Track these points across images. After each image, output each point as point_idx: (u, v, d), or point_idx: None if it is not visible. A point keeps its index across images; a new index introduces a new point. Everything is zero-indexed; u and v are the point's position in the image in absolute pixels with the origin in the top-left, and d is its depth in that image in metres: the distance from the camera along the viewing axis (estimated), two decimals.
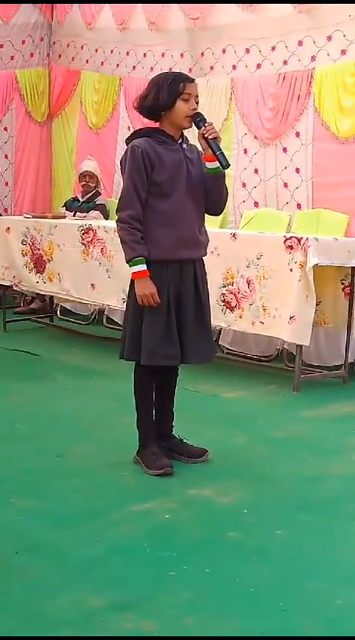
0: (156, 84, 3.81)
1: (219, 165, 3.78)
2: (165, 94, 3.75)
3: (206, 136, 3.76)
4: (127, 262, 3.80)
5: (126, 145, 3.86)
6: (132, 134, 3.93)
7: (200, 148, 3.87)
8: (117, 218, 3.84)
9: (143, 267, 3.75)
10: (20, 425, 4.61)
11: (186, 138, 3.92)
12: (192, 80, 3.84)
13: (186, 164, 3.81)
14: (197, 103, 3.82)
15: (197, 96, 3.82)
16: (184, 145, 3.86)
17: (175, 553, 3.05)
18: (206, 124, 3.78)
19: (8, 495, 3.56)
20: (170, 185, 3.77)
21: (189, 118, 3.78)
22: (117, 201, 3.90)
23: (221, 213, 4.14)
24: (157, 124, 3.87)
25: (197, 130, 3.82)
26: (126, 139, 3.91)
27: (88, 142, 8.60)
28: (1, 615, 2.57)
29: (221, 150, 3.78)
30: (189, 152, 3.86)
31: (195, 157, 3.86)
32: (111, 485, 3.73)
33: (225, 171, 3.85)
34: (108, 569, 2.91)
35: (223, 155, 3.77)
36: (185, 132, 3.90)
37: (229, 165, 3.83)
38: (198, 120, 3.79)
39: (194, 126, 3.82)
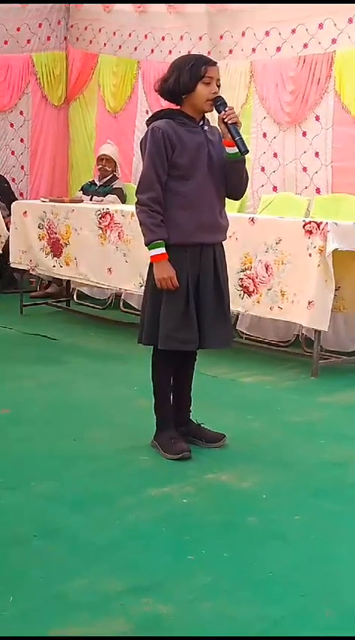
0: (177, 67, 3.77)
1: (238, 150, 3.73)
2: (187, 78, 3.71)
3: (226, 120, 3.71)
4: (146, 245, 3.77)
5: (147, 126, 3.82)
6: (152, 115, 3.89)
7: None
8: (136, 200, 3.80)
9: (162, 250, 3.72)
10: (37, 409, 4.60)
11: (208, 120, 3.88)
12: (214, 63, 3.79)
13: (207, 146, 3.77)
14: (218, 86, 3.77)
15: (218, 79, 3.77)
16: (206, 127, 3.82)
17: (193, 537, 3.04)
18: (226, 109, 3.73)
19: (26, 479, 3.56)
20: (191, 167, 3.73)
21: (210, 101, 3.74)
22: (136, 185, 3.86)
23: (241, 197, 4.09)
24: (177, 107, 3.83)
25: (217, 114, 3.78)
26: (147, 121, 3.87)
27: (107, 126, 8.57)
28: (19, 598, 2.57)
29: (240, 135, 3.73)
30: (210, 134, 3.82)
31: (217, 139, 3.82)
32: (128, 470, 3.72)
33: (245, 156, 3.81)
34: (125, 553, 2.90)
35: (242, 141, 3.73)
36: (207, 115, 3.86)
37: (248, 151, 3.78)
38: (218, 104, 3.74)
39: (215, 110, 3.78)
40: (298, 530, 3.16)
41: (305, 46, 6.60)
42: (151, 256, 3.76)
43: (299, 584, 2.71)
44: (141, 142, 3.84)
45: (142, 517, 3.21)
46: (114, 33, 8.48)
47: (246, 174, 3.92)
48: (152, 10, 7.99)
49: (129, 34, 8.30)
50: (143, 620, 2.48)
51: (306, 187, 6.68)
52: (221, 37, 7.31)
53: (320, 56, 6.47)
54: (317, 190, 6.58)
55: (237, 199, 4.09)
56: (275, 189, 6.92)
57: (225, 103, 3.75)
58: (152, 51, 8.07)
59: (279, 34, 6.80)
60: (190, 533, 3.08)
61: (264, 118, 6.96)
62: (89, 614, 2.50)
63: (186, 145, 3.71)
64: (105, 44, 8.63)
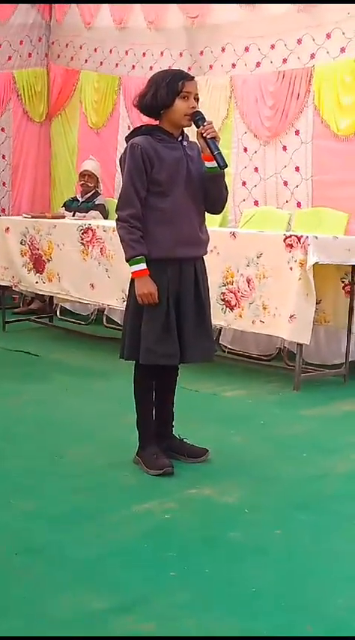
0: (155, 82, 3.78)
1: (216, 164, 3.75)
2: (164, 93, 3.72)
3: (204, 135, 3.73)
4: (127, 261, 3.78)
5: (126, 142, 3.83)
6: (131, 132, 3.90)
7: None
8: (116, 217, 3.82)
9: (143, 266, 3.73)
10: (19, 425, 4.59)
11: (187, 135, 3.89)
12: (192, 78, 3.80)
13: (186, 162, 3.79)
14: (197, 100, 3.78)
15: (197, 94, 3.79)
16: (184, 143, 3.83)
17: (175, 553, 3.04)
18: (205, 123, 3.74)
19: (7, 496, 3.54)
20: (170, 183, 3.74)
21: (189, 116, 3.75)
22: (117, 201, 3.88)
23: (221, 212, 4.11)
24: (157, 122, 3.84)
25: (196, 129, 3.79)
26: (126, 137, 3.88)
27: (89, 141, 8.58)
28: (1, 616, 2.55)
29: (219, 150, 3.74)
30: (189, 149, 3.83)
31: (196, 154, 3.83)
32: (111, 486, 3.71)
33: (225, 170, 3.82)
34: (107, 570, 2.89)
35: (221, 155, 3.74)
36: (186, 129, 3.87)
37: (226, 165, 3.79)
38: (197, 118, 3.75)
39: (193, 124, 3.79)
40: (280, 544, 3.16)
41: (285, 61, 6.64)
42: (132, 272, 3.77)
43: (281, 599, 2.71)
44: (120, 159, 3.85)
45: (125, 533, 3.20)
46: (96, 49, 8.51)
47: (226, 188, 3.93)
48: (132, 27, 8.01)
49: (110, 51, 8.33)
50: (127, 636, 2.47)
51: (287, 201, 6.70)
52: (201, 52, 7.34)
53: (300, 71, 6.51)
54: (298, 204, 6.61)
55: (216, 214, 4.10)
56: (256, 203, 6.94)
57: (204, 118, 3.76)
58: (133, 67, 8.09)
59: (259, 49, 6.83)
60: (172, 549, 3.07)
61: (245, 132, 6.99)
62: (72, 632, 2.48)
63: (164, 160, 3.72)
64: (86, 60, 8.66)
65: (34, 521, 3.30)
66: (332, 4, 6.19)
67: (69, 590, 2.73)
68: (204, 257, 3.96)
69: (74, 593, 2.71)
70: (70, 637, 2.45)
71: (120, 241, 3.80)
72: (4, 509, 3.42)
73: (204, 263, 3.96)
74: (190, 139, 3.89)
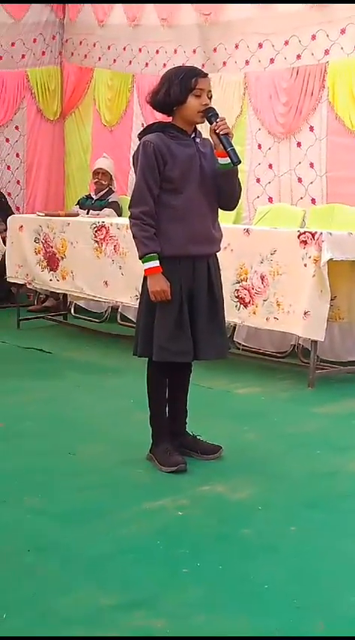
0: (168, 79, 3.77)
1: (230, 161, 3.74)
2: (177, 90, 3.71)
3: (217, 131, 3.71)
4: (140, 258, 3.77)
5: (139, 139, 3.83)
6: (144, 129, 3.89)
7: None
8: (129, 214, 3.81)
9: (156, 263, 3.72)
10: (32, 422, 4.59)
11: (200, 132, 3.88)
12: (205, 75, 3.79)
13: (199, 159, 3.78)
14: (210, 98, 3.77)
15: (210, 91, 3.77)
16: (197, 140, 3.82)
17: (188, 550, 3.03)
18: (218, 120, 3.73)
19: (19, 493, 3.54)
20: (182, 180, 3.73)
21: (201, 113, 3.74)
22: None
23: (234, 208, 4.10)
24: (170, 119, 3.83)
25: (209, 125, 3.78)
26: (139, 134, 3.87)
27: (103, 139, 8.59)
28: (11, 614, 2.55)
29: (232, 146, 3.73)
30: (202, 146, 3.82)
31: (209, 151, 3.82)
32: (123, 483, 3.71)
33: (238, 166, 3.81)
34: (120, 567, 2.89)
35: (234, 151, 3.73)
36: (199, 126, 3.86)
37: (240, 161, 3.78)
38: (210, 115, 3.74)
39: (206, 121, 3.78)
40: (292, 541, 3.14)
41: (299, 57, 6.62)
42: (145, 269, 3.76)
43: (293, 597, 2.69)
44: (133, 156, 3.84)
45: (137, 530, 3.19)
46: (109, 47, 8.52)
47: (239, 184, 3.91)
48: (145, 24, 8.02)
49: (124, 48, 8.33)
50: (136, 634, 2.46)
51: (301, 198, 6.68)
52: (214, 49, 7.33)
53: (314, 67, 6.48)
54: (313, 201, 6.59)
55: (230, 210, 4.09)
56: (270, 200, 6.92)
57: (217, 114, 3.75)
58: (146, 64, 8.09)
59: (272, 45, 6.82)
60: (185, 546, 3.06)
61: (259, 129, 6.97)
62: (82, 629, 2.48)
63: (177, 157, 3.71)
64: (99, 58, 8.67)
65: (46, 518, 3.29)
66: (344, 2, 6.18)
67: (79, 587, 2.73)
68: (217, 254, 3.95)
69: (84, 590, 2.71)
70: (80, 637, 2.45)
71: (133, 238, 3.80)
72: (16, 506, 3.42)
73: (217, 260, 3.94)
74: (203, 136, 3.88)
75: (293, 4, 6.57)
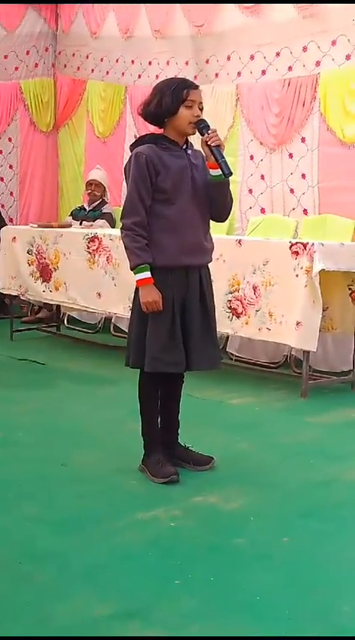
0: (159, 90, 3.79)
1: (221, 172, 3.75)
2: (169, 101, 3.73)
3: (209, 143, 3.73)
4: (132, 269, 3.78)
5: (131, 151, 3.84)
6: (136, 141, 3.90)
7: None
8: (121, 225, 3.82)
9: (147, 274, 3.73)
10: (25, 432, 4.59)
11: (191, 144, 3.90)
12: (196, 87, 3.82)
13: (190, 170, 3.79)
14: (201, 109, 3.79)
15: (201, 102, 3.79)
16: (189, 151, 3.84)
17: (180, 561, 3.03)
18: (209, 131, 3.75)
19: (13, 502, 3.55)
20: (174, 191, 3.75)
21: (193, 124, 3.76)
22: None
23: (226, 219, 4.11)
24: (162, 131, 3.85)
25: (201, 137, 3.80)
26: (131, 146, 3.89)
27: (96, 151, 8.61)
28: (5, 622, 2.55)
29: (224, 158, 3.75)
30: (193, 158, 3.83)
31: (200, 163, 3.84)
32: (116, 493, 3.71)
33: (230, 178, 3.82)
34: (112, 577, 2.89)
35: (226, 163, 3.74)
36: (190, 138, 3.88)
37: (231, 173, 3.79)
38: (201, 127, 3.76)
39: (198, 132, 3.80)
40: (285, 551, 3.14)
41: (290, 68, 6.64)
42: (137, 280, 3.77)
43: (286, 607, 2.69)
44: (125, 168, 3.86)
45: (129, 541, 3.20)
46: (102, 59, 8.55)
47: (231, 196, 3.93)
48: (138, 36, 8.05)
49: (117, 60, 8.36)
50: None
51: (294, 209, 6.70)
52: (207, 61, 7.36)
53: (305, 78, 6.51)
54: (305, 211, 6.60)
55: (221, 221, 4.10)
56: (263, 210, 6.94)
57: (208, 126, 3.77)
58: (139, 76, 8.12)
59: (264, 57, 6.84)
60: (177, 557, 3.06)
61: (251, 140, 6.99)
62: (77, 637, 2.48)
63: (169, 169, 3.73)
64: (92, 70, 8.69)
65: (39, 526, 3.30)
66: (337, 10, 6.20)
67: (73, 596, 2.73)
68: (208, 265, 3.96)
69: (78, 599, 2.71)
70: (73, 637, 2.46)
71: (125, 249, 3.81)
72: (10, 514, 3.43)
73: (208, 271, 3.96)
74: (195, 148, 3.90)
75: (285, 15, 6.59)
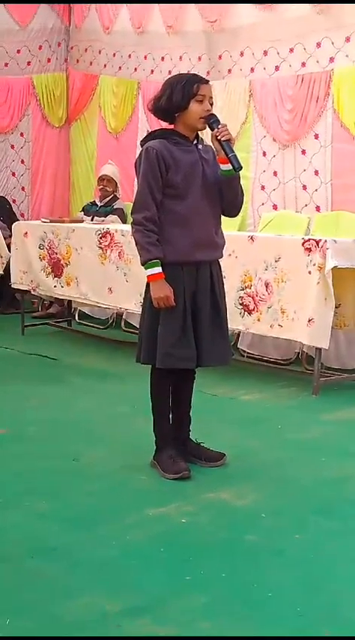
0: (169, 85, 3.78)
1: (231, 167, 3.74)
2: (179, 96, 3.72)
3: (219, 137, 3.72)
4: (142, 265, 3.77)
5: (141, 146, 3.83)
6: (146, 136, 3.90)
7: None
8: (132, 220, 3.81)
9: (158, 269, 3.72)
10: (36, 427, 4.59)
11: (202, 139, 3.88)
12: (207, 82, 3.80)
13: (201, 165, 3.78)
14: (211, 104, 3.78)
15: (211, 97, 3.78)
16: (199, 146, 3.82)
17: (191, 557, 3.02)
18: (219, 126, 3.73)
19: (23, 498, 3.54)
20: (185, 186, 3.74)
21: (203, 119, 3.74)
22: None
23: (237, 214, 4.09)
24: (172, 126, 3.84)
25: (211, 132, 3.78)
26: (141, 141, 3.88)
27: (108, 146, 8.60)
28: (15, 618, 2.55)
29: (234, 152, 3.73)
30: (204, 152, 3.82)
31: (211, 158, 3.82)
32: (127, 489, 3.70)
33: (240, 173, 3.81)
34: (123, 573, 2.88)
35: (236, 157, 3.73)
36: (200, 133, 3.86)
37: (241, 167, 3.77)
38: (211, 121, 3.75)
39: (208, 127, 3.78)
40: (297, 548, 3.13)
41: (304, 64, 6.62)
42: (148, 276, 3.76)
43: (297, 604, 2.68)
44: (135, 163, 3.84)
45: (140, 537, 3.18)
46: (114, 54, 8.54)
47: (242, 191, 3.91)
48: (151, 31, 8.03)
49: (129, 55, 8.35)
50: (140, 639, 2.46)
51: (306, 205, 6.68)
52: (220, 56, 7.34)
53: (319, 74, 6.48)
54: (317, 208, 6.58)
55: (233, 216, 4.08)
56: (275, 207, 6.92)
57: (218, 121, 3.75)
58: (152, 71, 8.11)
59: (278, 53, 6.82)
60: (188, 553, 3.05)
61: (264, 136, 6.97)
62: (85, 634, 2.47)
63: (180, 164, 3.71)
64: (105, 65, 8.68)
65: (49, 522, 3.29)
66: (351, 6, 6.17)
67: (83, 593, 2.72)
68: (220, 261, 3.94)
69: (88, 595, 2.70)
70: (83, 638, 2.44)
71: (136, 245, 3.80)
72: (19, 510, 3.42)
73: (219, 267, 3.94)
74: (205, 143, 3.88)
75: (299, 11, 6.57)
